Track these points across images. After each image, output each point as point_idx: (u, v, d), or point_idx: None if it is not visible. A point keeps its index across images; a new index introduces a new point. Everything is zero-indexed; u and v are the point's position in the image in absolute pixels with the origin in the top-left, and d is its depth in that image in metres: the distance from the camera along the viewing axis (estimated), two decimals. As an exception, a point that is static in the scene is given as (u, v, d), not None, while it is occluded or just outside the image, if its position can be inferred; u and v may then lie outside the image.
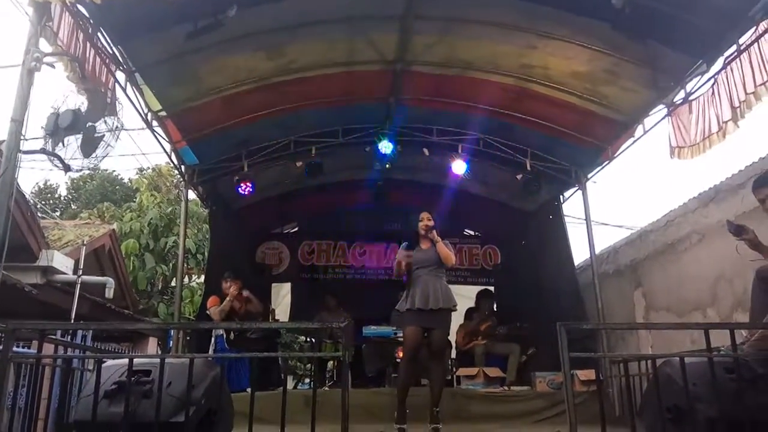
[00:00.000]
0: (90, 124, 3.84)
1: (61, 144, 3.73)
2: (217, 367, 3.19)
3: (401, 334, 5.61)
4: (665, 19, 4.91)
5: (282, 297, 10.92)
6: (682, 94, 5.71)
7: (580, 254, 8.24)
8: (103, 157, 3.76)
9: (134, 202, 16.89)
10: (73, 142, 3.87)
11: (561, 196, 8.33)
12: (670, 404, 2.80)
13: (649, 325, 6.63)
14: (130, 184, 21.42)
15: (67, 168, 3.71)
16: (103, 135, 3.78)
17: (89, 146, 3.79)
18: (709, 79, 5.26)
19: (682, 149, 5.56)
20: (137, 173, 18.89)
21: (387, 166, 8.00)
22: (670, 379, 2.88)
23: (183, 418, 2.73)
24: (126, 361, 2.98)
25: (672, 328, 5.37)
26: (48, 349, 3.76)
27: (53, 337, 3.66)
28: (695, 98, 5.50)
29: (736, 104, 4.81)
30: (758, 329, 3.21)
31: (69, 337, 5.56)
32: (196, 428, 2.84)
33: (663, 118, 6.05)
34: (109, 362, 3.18)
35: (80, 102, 3.91)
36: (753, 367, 2.84)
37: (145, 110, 6.03)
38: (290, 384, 9.47)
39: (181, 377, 2.87)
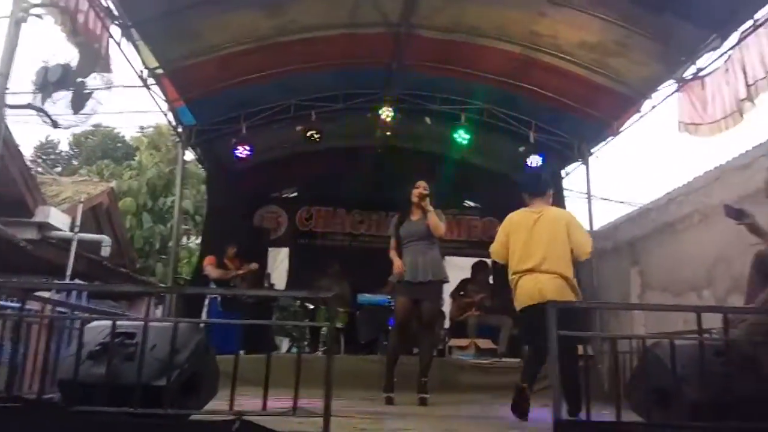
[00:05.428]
0: (80, 79, 3.73)
1: (50, 99, 3.63)
2: (203, 331, 3.16)
3: (395, 303, 5.60)
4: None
5: (279, 262, 10.92)
6: (692, 70, 5.56)
7: (579, 229, 8.17)
8: (92, 114, 3.67)
9: (134, 160, 16.79)
10: (64, 97, 3.77)
11: (563, 170, 8.22)
12: (657, 386, 2.77)
13: (640, 306, 6.62)
14: (131, 142, 21.27)
15: (55, 124, 3.63)
16: (93, 91, 3.68)
17: (79, 102, 3.70)
18: (722, 55, 5.11)
19: (700, 126, 5.41)
20: (138, 131, 18.74)
21: (388, 133, 7.88)
22: (659, 360, 2.84)
23: (165, 381, 2.70)
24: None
25: (663, 310, 5.34)
26: (36, 306, 3.73)
27: (38, 295, 3.63)
28: (708, 74, 5.35)
29: (751, 82, 4.67)
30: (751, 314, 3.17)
31: (66, 294, 5.55)
32: (179, 392, 2.82)
33: (672, 93, 5.91)
34: (96, 323, 3.15)
35: (71, 57, 3.80)
36: (743, 352, 2.80)
37: (141, 67, 5.90)
38: (285, 347, 9.56)
39: (167, 340, 2.84)
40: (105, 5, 4.87)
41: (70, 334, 4.10)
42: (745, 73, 4.75)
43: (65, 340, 4.12)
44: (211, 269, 6.91)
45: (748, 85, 4.70)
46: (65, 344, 4.11)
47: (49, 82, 3.67)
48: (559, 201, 8.08)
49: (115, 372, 2.75)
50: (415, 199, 4.73)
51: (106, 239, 9.79)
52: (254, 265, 7.32)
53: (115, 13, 5.07)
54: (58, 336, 4.02)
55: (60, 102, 3.65)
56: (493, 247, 4.23)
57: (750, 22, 4.70)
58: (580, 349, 5.89)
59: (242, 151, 7.32)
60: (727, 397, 2.62)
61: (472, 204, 10.75)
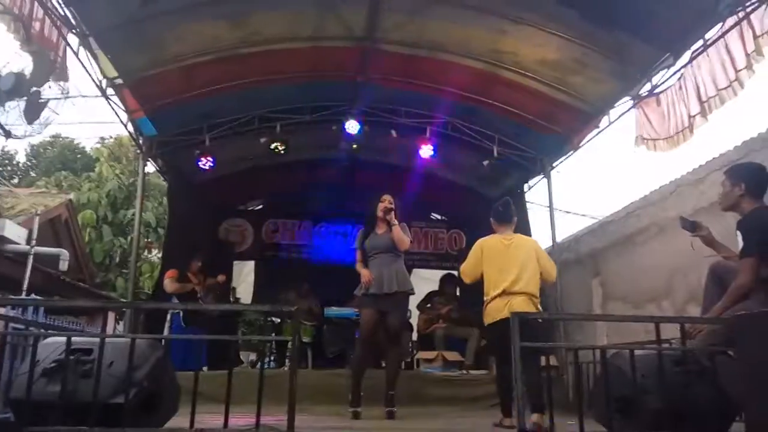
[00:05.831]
0: (35, 89, 3.62)
1: (2, 108, 3.51)
2: (163, 347, 3.08)
3: (362, 317, 5.57)
4: (633, 10, 4.90)
5: (245, 275, 10.76)
6: (648, 87, 5.74)
7: (542, 241, 8.29)
8: (47, 124, 3.56)
9: (94, 171, 16.35)
10: (17, 106, 3.65)
11: (525, 184, 8.36)
12: (617, 395, 2.81)
13: (601, 317, 6.76)
14: (91, 153, 20.75)
15: (8, 134, 3.50)
16: (47, 101, 3.58)
17: (33, 112, 3.58)
18: (675, 73, 5.30)
19: (657, 141, 5.59)
20: (99, 142, 18.29)
21: (354, 146, 7.87)
22: (620, 370, 2.89)
23: (123, 399, 2.61)
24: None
25: (622, 320, 5.47)
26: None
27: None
28: (662, 91, 5.54)
29: (704, 99, 4.86)
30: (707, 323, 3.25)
31: (21, 310, 5.35)
32: (137, 410, 2.74)
33: (629, 109, 6.09)
34: (51, 339, 3.04)
35: (25, 65, 3.69)
36: (700, 361, 2.88)
37: (100, 77, 5.76)
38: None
39: (124, 358, 2.76)
40: (62, 14, 4.75)
41: (24, 351, 3.95)
42: (698, 90, 4.94)
43: (20, 358, 3.97)
44: (168, 283, 6.72)
45: (701, 102, 4.89)
46: (20, 362, 3.95)
47: (1, 90, 3.55)
48: (522, 214, 8.21)
49: (71, 390, 2.65)
50: (380, 213, 4.75)
51: (64, 253, 9.50)
52: (221, 278, 7.17)
53: (73, 21, 4.95)
54: (11, 353, 3.86)
55: (13, 111, 3.53)
56: (464, 268, 4.43)
57: (700, 42, 4.89)
58: (543, 359, 6.00)
59: (205, 163, 7.20)
60: (686, 404, 2.69)
61: (438, 217, 10.82)
